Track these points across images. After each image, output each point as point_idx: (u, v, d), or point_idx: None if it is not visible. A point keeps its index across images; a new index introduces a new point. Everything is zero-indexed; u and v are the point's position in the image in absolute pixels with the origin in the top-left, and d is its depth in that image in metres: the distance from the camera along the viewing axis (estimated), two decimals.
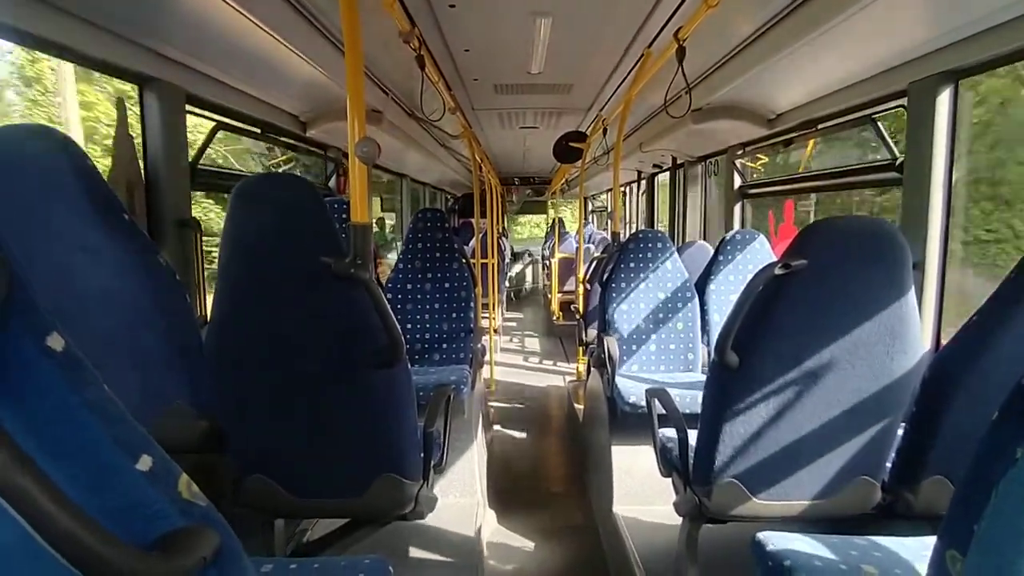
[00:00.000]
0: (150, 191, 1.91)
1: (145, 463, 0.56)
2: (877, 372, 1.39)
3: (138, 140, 1.88)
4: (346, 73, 1.30)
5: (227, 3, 1.60)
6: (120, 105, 1.76)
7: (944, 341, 1.95)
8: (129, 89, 1.86)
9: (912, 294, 1.35)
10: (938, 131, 1.90)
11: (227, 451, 1.48)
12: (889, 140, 2.21)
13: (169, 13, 1.65)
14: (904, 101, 2.05)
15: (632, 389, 2.53)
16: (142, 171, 1.87)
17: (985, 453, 0.59)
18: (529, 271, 11.98)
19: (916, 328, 1.38)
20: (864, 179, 2.47)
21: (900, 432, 1.49)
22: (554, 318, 7.69)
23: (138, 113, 1.89)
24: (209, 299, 2.12)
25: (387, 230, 7.05)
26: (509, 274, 10.25)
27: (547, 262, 9.45)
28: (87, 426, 0.53)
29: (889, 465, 1.52)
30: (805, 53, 2.12)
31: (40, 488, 0.42)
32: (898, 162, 2.11)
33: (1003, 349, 1.28)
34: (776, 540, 1.27)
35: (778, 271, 1.33)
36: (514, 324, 8.18)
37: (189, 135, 2.05)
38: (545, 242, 10.52)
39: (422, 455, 1.59)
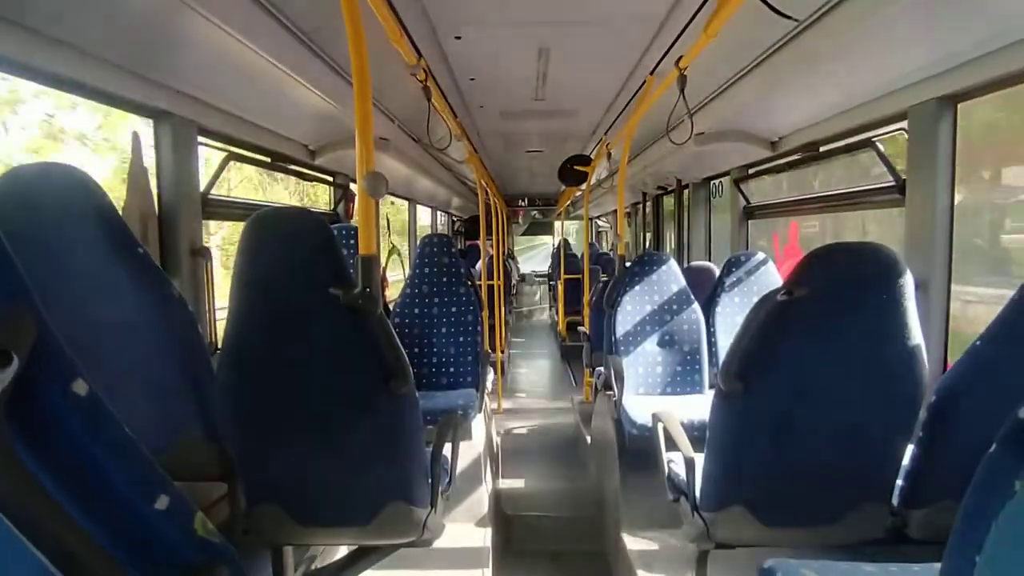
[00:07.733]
0: (163, 221, 1.95)
1: (163, 502, 0.58)
2: (883, 396, 1.38)
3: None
4: (355, 105, 1.34)
5: (238, 39, 1.65)
6: (135, 139, 1.81)
7: (951, 362, 1.94)
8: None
9: (916, 317, 1.35)
10: (939, 154, 1.92)
11: (237, 478, 1.49)
12: (891, 162, 2.22)
13: (182, 50, 1.70)
14: (905, 124, 2.07)
15: (639, 412, 2.52)
16: (155, 202, 1.92)
17: (983, 484, 0.59)
18: (535, 292, 11.98)
19: (921, 351, 1.37)
20: (867, 201, 2.48)
21: (908, 455, 1.48)
22: (560, 340, 7.67)
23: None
24: (220, 327, 2.15)
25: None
26: (515, 296, 10.25)
27: (552, 283, 9.46)
28: (107, 468, 0.55)
29: (898, 489, 1.51)
30: (805, 79, 2.15)
31: (64, 528, 0.44)
32: (901, 184, 2.12)
33: (1010, 370, 1.28)
34: (784, 567, 1.26)
35: (780, 298, 1.34)
36: (521, 346, 8.16)
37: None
38: (551, 263, 10.54)
39: (430, 481, 1.59)
